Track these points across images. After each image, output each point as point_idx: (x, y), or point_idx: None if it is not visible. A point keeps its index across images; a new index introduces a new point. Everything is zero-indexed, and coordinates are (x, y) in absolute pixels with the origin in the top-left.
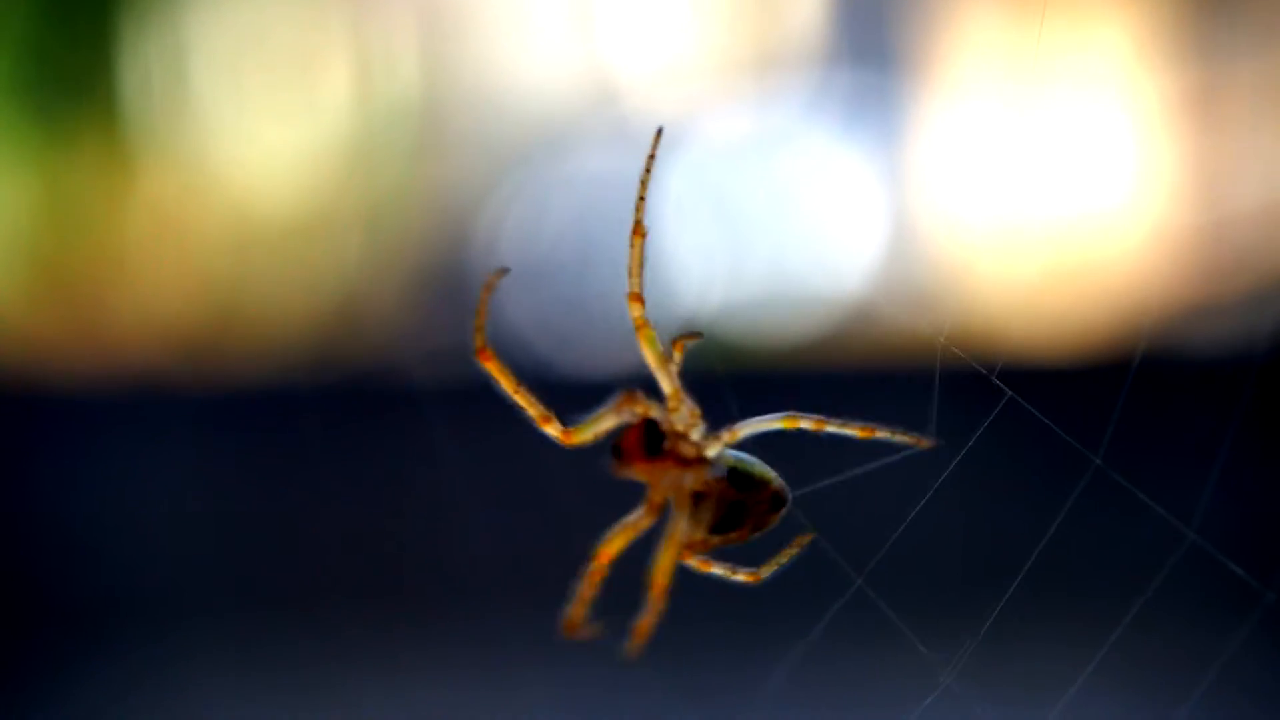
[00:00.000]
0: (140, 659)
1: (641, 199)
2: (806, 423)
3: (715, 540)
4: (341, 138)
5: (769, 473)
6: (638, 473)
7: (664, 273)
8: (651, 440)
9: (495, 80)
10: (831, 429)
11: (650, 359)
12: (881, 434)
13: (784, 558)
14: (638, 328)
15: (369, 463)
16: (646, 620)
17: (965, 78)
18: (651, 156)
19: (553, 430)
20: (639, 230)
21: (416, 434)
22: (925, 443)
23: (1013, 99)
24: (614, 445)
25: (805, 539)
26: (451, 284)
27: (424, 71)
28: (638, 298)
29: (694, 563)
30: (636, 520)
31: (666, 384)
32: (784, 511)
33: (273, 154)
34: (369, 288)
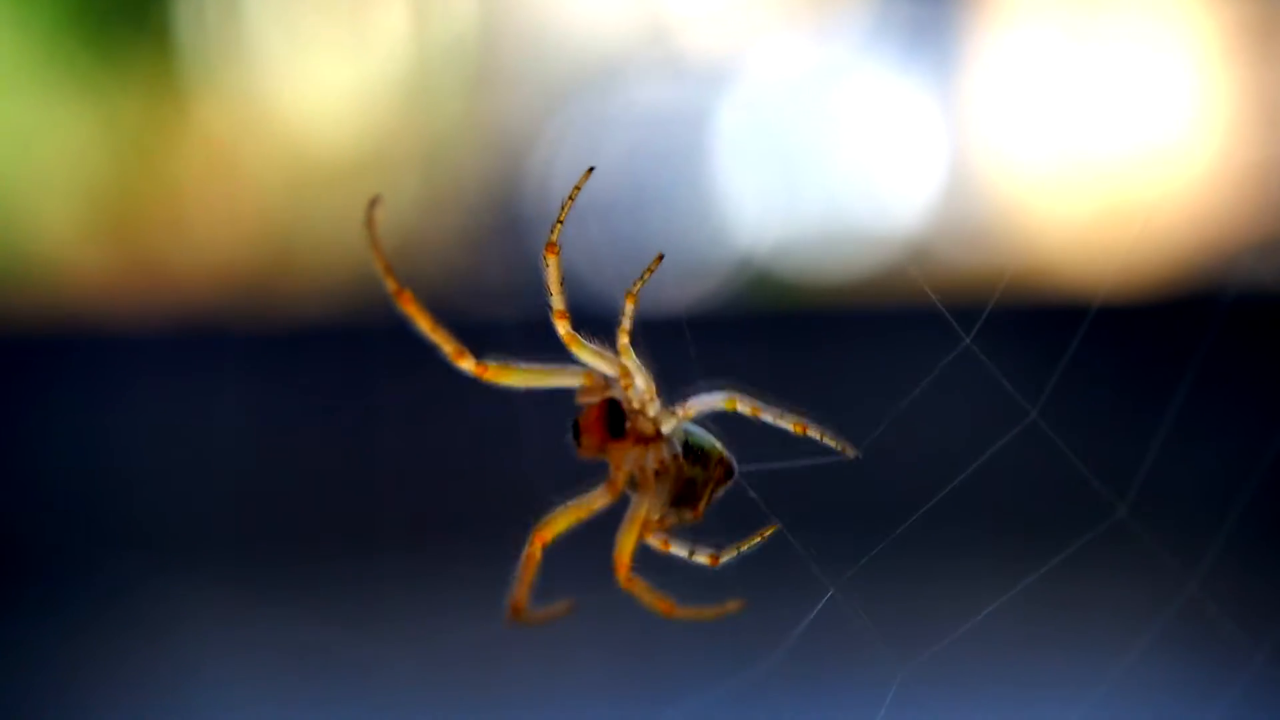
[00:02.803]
0: (202, 588)
1: (559, 222)
2: (744, 407)
3: (672, 518)
4: (397, 74)
5: (718, 446)
6: (600, 453)
7: (718, 209)
8: (614, 420)
9: (549, 15)
10: (766, 418)
11: (589, 359)
12: (813, 432)
13: (745, 545)
14: (567, 343)
15: (424, 400)
16: (648, 601)
17: (1024, 10)
18: (577, 188)
19: (467, 365)
20: (552, 249)
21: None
22: (850, 452)
23: (1071, 31)
24: (575, 424)
25: (769, 530)
26: (506, 220)
27: (479, 5)
28: (563, 314)
29: (654, 543)
30: (591, 500)
31: (610, 367)
32: (731, 484)
33: (328, 90)
34: (423, 225)
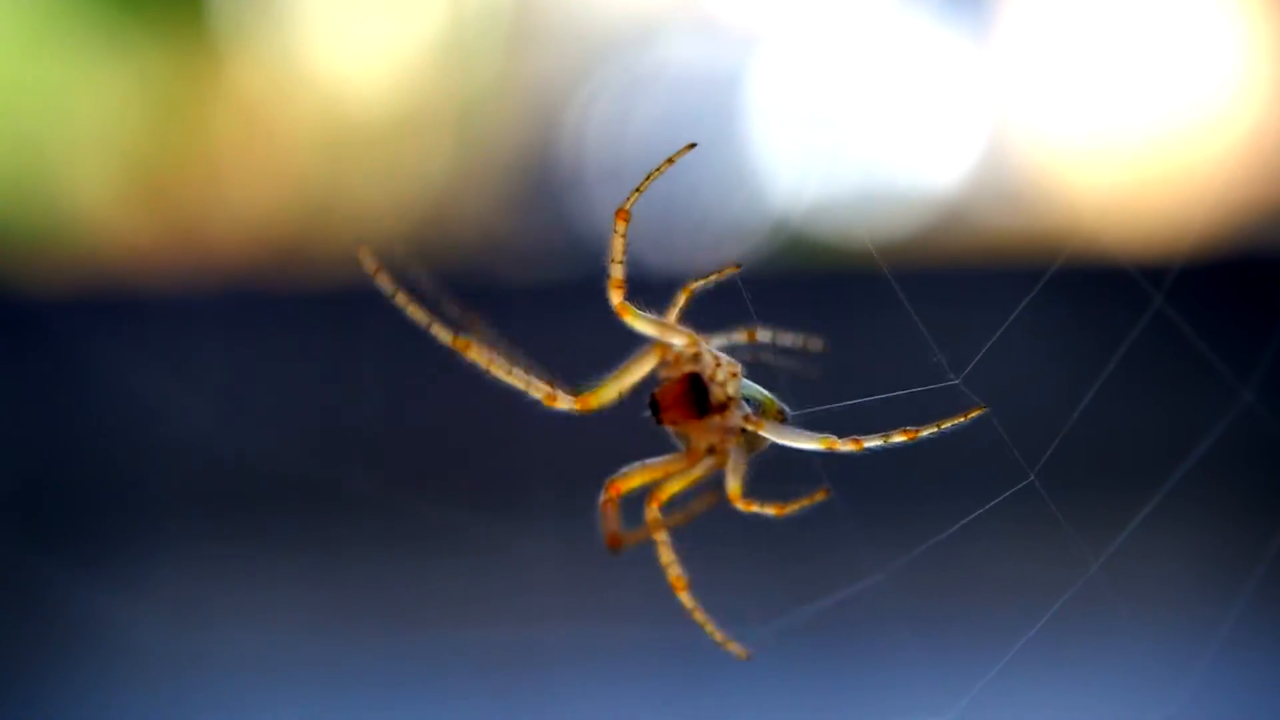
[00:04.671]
0: (237, 544)
1: (639, 190)
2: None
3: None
4: (432, 34)
5: (768, 394)
6: (683, 427)
7: (757, 170)
8: (698, 396)
9: None
10: (763, 336)
11: (648, 328)
12: (764, 335)
13: (804, 502)
14: (620, 313)
15: (458, 362)
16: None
17: None
18: (670, 161)
19: (564, 405)
20: (623, 215)
21: (507, 334)
22: (818, 347)
23: None
24: (654, 402)
25: (821, 493)
26: (541, 182)
27: None
28: (620, 284)
29: (739, 505)
30: (668, 464)
31: (679, 338)
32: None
33: (364, 51)
34: (459, 186)
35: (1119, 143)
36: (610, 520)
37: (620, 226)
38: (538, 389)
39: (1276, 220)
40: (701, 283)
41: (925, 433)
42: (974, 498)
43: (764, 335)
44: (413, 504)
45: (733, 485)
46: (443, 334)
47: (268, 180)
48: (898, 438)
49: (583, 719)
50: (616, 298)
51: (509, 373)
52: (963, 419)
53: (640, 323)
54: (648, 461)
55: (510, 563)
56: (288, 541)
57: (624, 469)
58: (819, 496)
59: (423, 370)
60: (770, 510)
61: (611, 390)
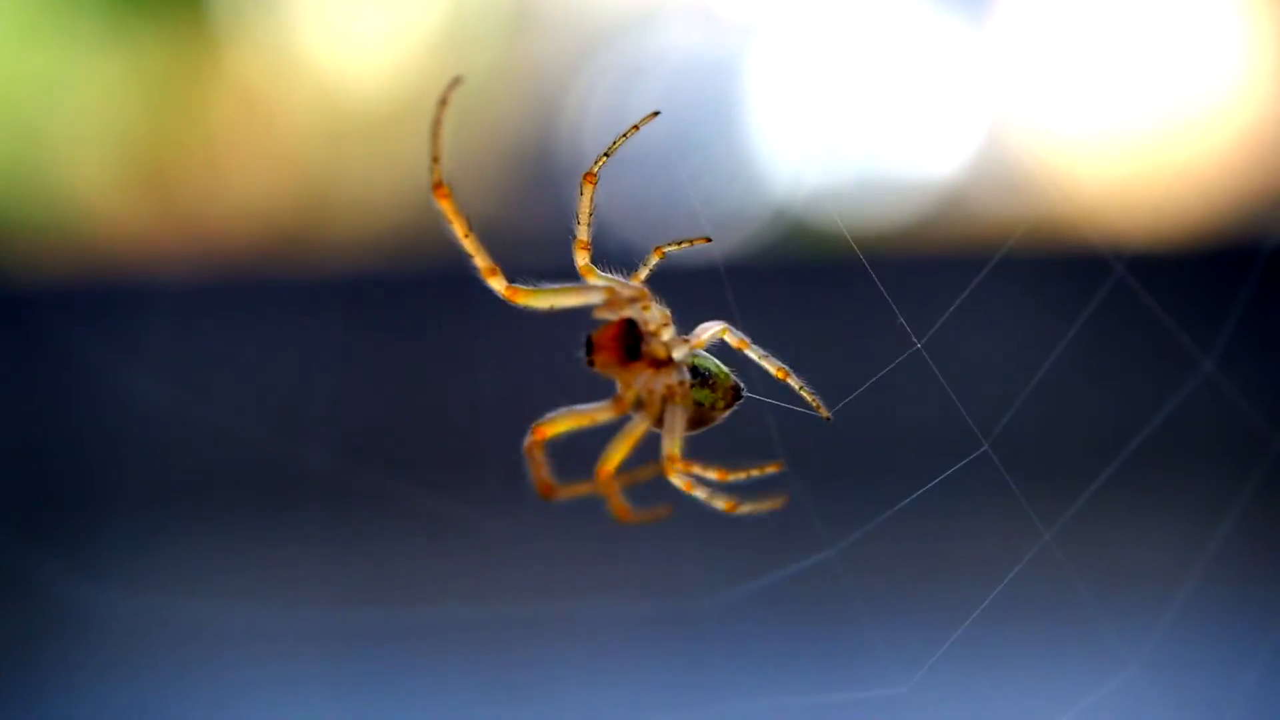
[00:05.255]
0: (241, 528)
1: (606, 154)
2: (732, 339)
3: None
4: (431, 23)
5: (725, 370)
6: (612, 371)
7: (753, 158)
8: (630, 342)
9: None
10: (752, 355)
11: (600, 282)
12: (793, 381)
13: (763, 506)
14: (583, 274)
15: (461, 346)
16: (611, 505)
17: None
18: (635, 128)
19: (497, 284)
20: (590, 178)
21: (505, 321)
22: (825, 413)
23: None
24: (589, 340)
25: (776, 465)
26: (540, 169)
27: None
28: (585, 246)
29: (678, 482)
30: (595, 412)
31: (628, 290)
32: (738, 404)
33: (363, 39)
34: (458, 173)
35: (1119, 132)
36: (538, 465)
37: (587, 189)
38: (483, 260)
39: (1277, 210)
40: (673, 246)
41: (743, 510)
42: (933, 474)
43: (792, 381)
44: (410, 489)
45: (667, 446)
46: (436, 171)
47: (267, 168)
48: (718, 504)
49: (571, 677)
50: (581, 259)
51: (465, 235)
52: (773, 505)
53: (598, 278)
54: (575, 408)
55: (506, 543)
56: (282, 523)
57: (550, 414)
58: (771, 468)
59: (422, 356)
60: (713, 474)
61: (545, 299)
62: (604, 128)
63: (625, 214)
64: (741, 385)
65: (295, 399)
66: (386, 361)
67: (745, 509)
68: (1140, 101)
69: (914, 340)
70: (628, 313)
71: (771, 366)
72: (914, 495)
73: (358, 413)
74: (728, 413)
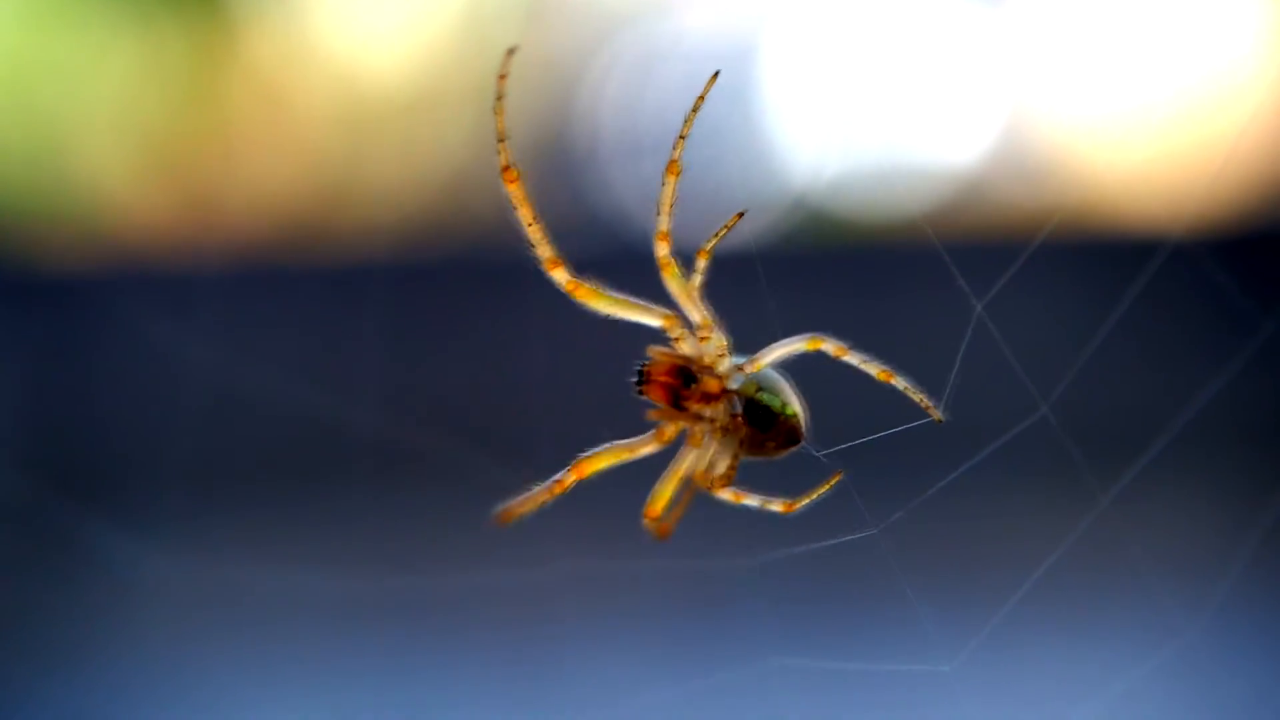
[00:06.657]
0: (261, 515)
1: (682, 137)
2: (829, 346)
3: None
4: (449, 9)
5: (788, 404)
6: (659, 412)
7: (771, 145)
8: (683, 384)
9: None
10: (851, 360)
11: (677, 293)
12: (898, 383)
13: (816, 494)
14: (662, 266)
15: (480, 337)
16: (657, 536)
17: None
18: (701, 98)
19: (559, 276)
20: (673, 168)
21: (525, 309)
22: (936, 415)
23: None
24: (642, 372)
25: (836, 477)
26: (558, 157)
27: None
28: (665, 236)
29: (726, 495)
30: (638, 445)
31: (696, 314)
32: (797, 447)
33: (381, 26)
34: (476, 161)
35: (1140, 118)
36: (539, 502)
37: (670, 181)
38: (546, 250)
39: None
40: (714, 241)
41: (800, 505)
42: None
43: (897, 382)
44: (423, 475)
45: (715, 473)
46: (504, 155)
47: (285, 156)
48: (774, 507)
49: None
50: (661, 250)
51: (531, 223)
52: (827, 487)
53: (674, 283)
54: (618, 443)
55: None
56: (302, 511)
57: (590, 450)
58: (833, 481)
59: (433, 346)
60: (777, 507)
61: (605, 304)
62: (623, 114)
63: (646, 204)
64: (799, 425)
65: (311, 385)
66: (405, 349)
67: (803, 503)
68: (1161, 84)
69: (974, 302)
70: (685, 347)
71: (874, 370)
72: (974, 461)
73: (370, 399)
74: (784, 453)
